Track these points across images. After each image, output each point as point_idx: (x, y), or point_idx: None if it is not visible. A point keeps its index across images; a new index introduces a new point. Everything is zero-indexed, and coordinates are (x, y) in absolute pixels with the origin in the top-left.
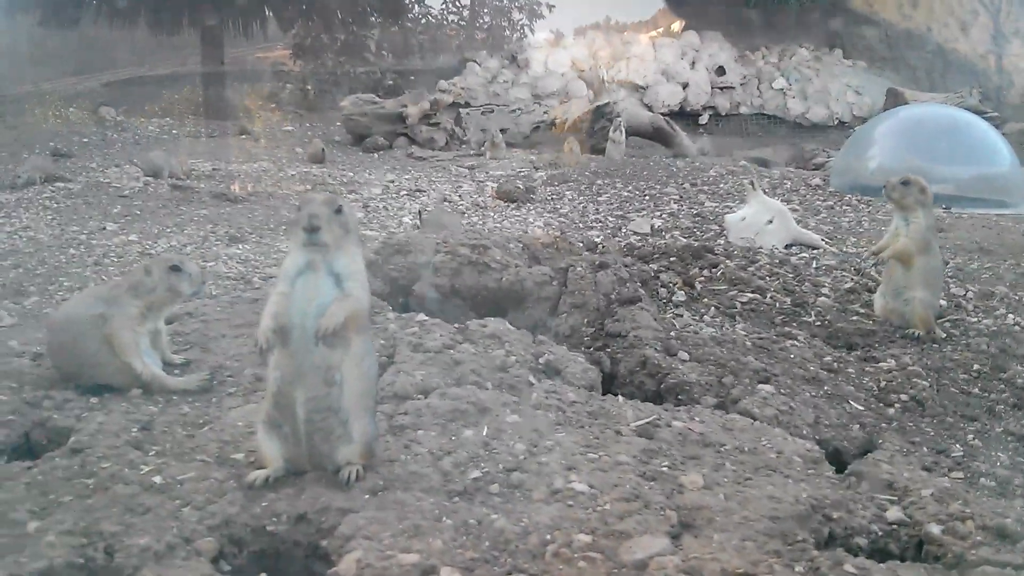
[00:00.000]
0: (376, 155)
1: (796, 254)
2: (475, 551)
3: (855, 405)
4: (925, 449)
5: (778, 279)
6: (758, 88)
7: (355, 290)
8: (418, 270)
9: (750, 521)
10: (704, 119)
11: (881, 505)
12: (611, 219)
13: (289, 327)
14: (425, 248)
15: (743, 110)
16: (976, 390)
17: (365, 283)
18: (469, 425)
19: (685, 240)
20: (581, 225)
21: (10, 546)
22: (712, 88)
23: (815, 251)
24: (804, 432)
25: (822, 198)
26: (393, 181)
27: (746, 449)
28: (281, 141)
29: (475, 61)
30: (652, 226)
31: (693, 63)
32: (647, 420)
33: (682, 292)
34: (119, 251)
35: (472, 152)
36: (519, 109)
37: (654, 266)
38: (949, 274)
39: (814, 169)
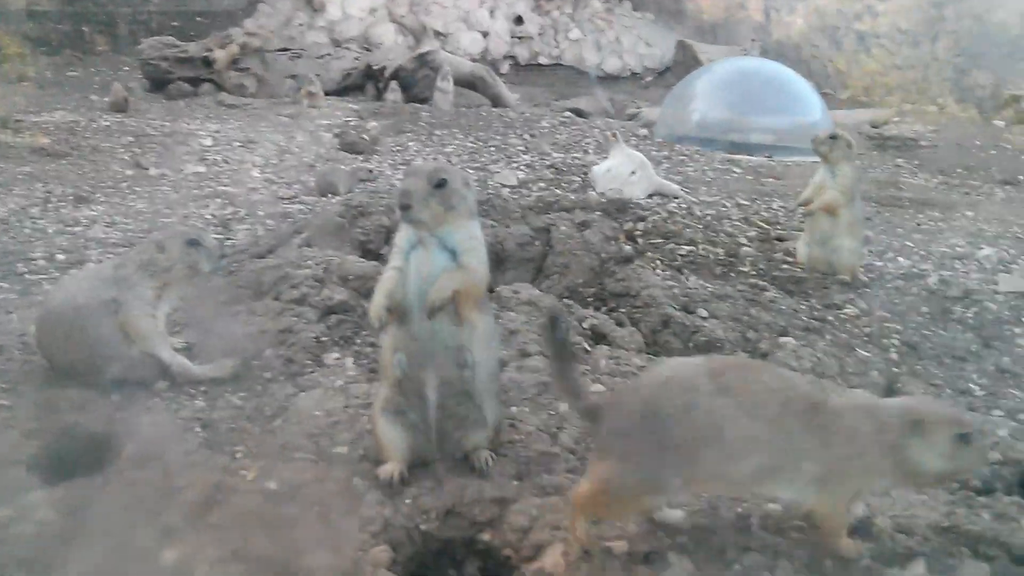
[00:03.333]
0: (182, 103)
1: (663, 203)
2: (675, 536)
3: (862, 352)
4: (949, 391)
5: (695, 231)
6: (555, 38)
7: (472, 262)
8: (384, 232)
9: None
10: (505, 68)
11: None
12: (470, 171)
13: (407, 305)
14: (390, 209)
15: (542, 60)
16: (941, 331)
17: (483, 256)
18: (557, 398)
19: (549, 191)
20: None
21: None
22: (511, 37)
23: (677, 199)
24: (839, 381)
25: (656, 148)
26: (218, 131)
27: None
28: (71, 88)
29: (265, 3)
30: (518, 178)
31: (492, 12)
32: None
33: (628, 246)
34: None
35: (287, 100)
36: (328, 54)
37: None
38: (798, 219)
39: (628, 119)
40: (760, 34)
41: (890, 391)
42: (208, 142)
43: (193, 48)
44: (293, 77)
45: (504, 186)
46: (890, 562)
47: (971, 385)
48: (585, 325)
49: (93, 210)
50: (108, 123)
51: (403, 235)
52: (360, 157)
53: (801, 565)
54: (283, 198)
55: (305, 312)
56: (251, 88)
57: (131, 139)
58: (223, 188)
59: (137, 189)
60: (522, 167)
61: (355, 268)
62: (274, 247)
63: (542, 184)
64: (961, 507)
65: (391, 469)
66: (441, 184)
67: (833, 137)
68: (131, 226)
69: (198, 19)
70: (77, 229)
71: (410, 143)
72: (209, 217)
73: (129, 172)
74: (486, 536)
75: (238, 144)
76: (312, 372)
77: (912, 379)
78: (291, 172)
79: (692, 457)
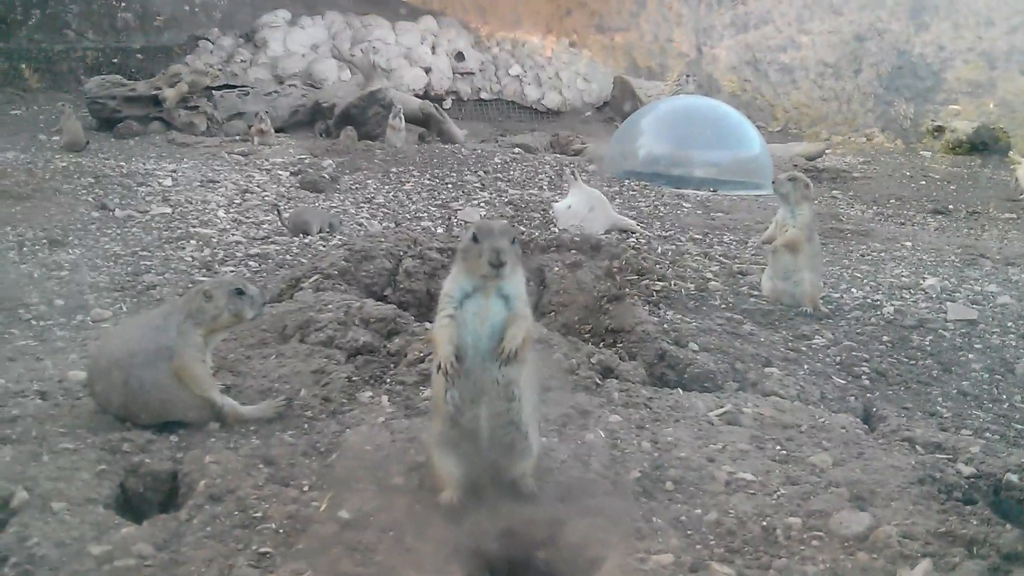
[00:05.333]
0: (132, 142)
1: (623, 238)
2: (717, 545)
3: (837, 380)
4: (919, 413)
5: (663, 267)
6: (496, 74)
7: (524, 310)
8: (387, 276)
9: (898, 486)
10: (447, 104)
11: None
12: (432, 208)
13: (463, 349)
14: (390, 254)
15: (484, 95)
16: (904, 359)
17: (527, 301)
18: (582, 428)
19: (514, 228)
20: (408, 216)
21: None
22: (453, 73)
23: (634, 235)
24: (820, 406)
25: (607, 184)
26: (175, 170)
27: (817, 427)
28: (15, 127)
29: (207, 39)
30: (480, 215)
31: (434, 48)
32: (724, 410)
33: (609, 284)
34: None
35: (238, 137)
36: (276, 91)
37: (557, 257)
38: (750, 253)
39: (574, 155)
40: (692, 68)
41: (868, 415)
42: (168, 182)
43: (141, 86)
44: (241, 115)
45: (467, 223)
46: (900, 563)
47: (939, 408)
48: (593, 360)
49: (70, 253)
50: (65, 163)
51: (455, 285)
52: (321, 195)
53: (825, 568)
54: (256, 239)
55: (334, 354)
56: (201, 126)
57: (91, 180)
58: (194, 229)
59: (108, 231)
60: (482, 204)
61: (375, 311)
62: (284, 291)
63: (504, 221)
64: (952, 515)
65: (450, 496)
66: (515, 241)
67: (792, 179)
68: (116, 270)
69: (138, 56)
70: (63, 274)
71: (368, 181)
72: (189, 259)
73: (95, 214)
74: (542, 554)
75: (198, 184)
76: (351, 410)
77: (886, 404)
78: (256, 212)
79: None
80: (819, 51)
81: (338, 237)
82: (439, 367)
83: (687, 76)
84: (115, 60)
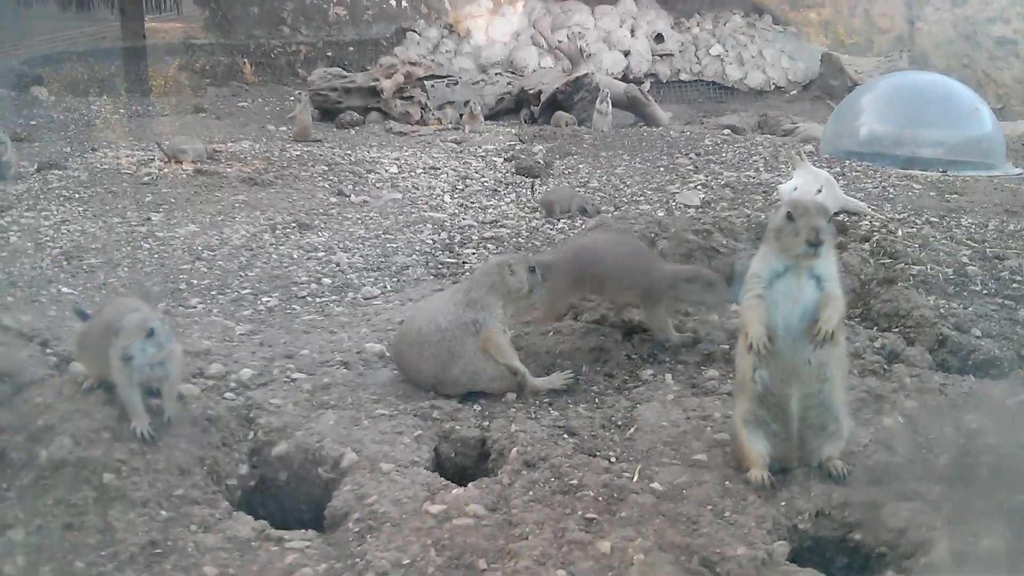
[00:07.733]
0: (352, 131)
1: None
2: None
3: None
4: None
5: (915, 250)
6: (696, 55)
7: (837, 290)
8: None
9: None
10: (647, 86)
11: None
12: (648, 191)
13: (773, 328)
14: (642, 236)
15: (683, 77)
16: None
17: (839, 281)
18: (877, 412)
19: (737, 211)
20: (624, 200)
21: None
22: (652, 55)
23: (866, 217)
24: None
25: (826, 166)
26: (398, 158)
27: None
28: (245, 119)
29: (414, 31)
30: (699, 198)
31: (632, 31)
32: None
33: (872, 267)
34: (204, 243)
35: (450, 126)
36: (482, 80)
37: None
38: (994, 236)
39: (784, 135)
40: (903, 43)
41: None
42: (394, 169)
43: (360, 78)
44: (450, 104)
45: (687, 207)
46: None
47: None
48: (876, 344)
49: (319, 236)
50: (298, 152)
51: (764, 264)
52: (537, 180)
53: None
54: (485, 222)
55: (609, 332)
56: (416, 115)
57: (324, 168)
58: (427, 214)
59: (348, 216)
60: (698, 187)
61: None
62: None
63: (724, 204)
64: None
65: (759, 474)
66: (830, 219)
67: None
68: (366, 251)
69: (349, 48)
70: (320, 255)
71: (580, 165)
72: (430, 242)
73: (333, 199)
74: (858, 536)
75: (421, 171)
76: (636, 386)
77: None
78: (479, 197)
79: None
80: None
81: (583, 220)
82: (749, 346)
83: (900, 51)
84: (329, 53)
